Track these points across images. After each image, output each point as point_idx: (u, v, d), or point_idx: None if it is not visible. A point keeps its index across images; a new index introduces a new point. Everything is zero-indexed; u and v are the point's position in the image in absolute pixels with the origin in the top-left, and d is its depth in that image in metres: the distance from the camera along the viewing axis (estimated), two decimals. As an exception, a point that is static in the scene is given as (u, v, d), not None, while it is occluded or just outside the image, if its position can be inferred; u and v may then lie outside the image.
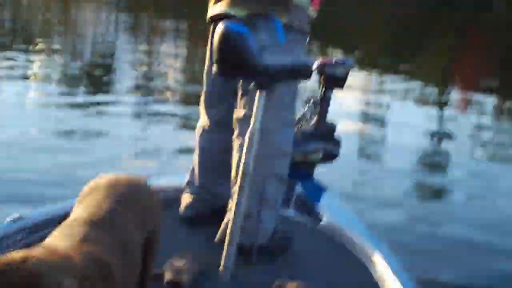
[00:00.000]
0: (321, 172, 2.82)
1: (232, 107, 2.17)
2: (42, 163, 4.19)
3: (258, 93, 1.91)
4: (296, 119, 2.56)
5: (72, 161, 4.29)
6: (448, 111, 7.29)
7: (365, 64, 9.49)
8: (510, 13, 21.18)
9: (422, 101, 7.58)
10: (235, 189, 1.95)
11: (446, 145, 5.89)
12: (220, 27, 1.90)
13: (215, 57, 1.93)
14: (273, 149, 2.09)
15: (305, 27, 2.11)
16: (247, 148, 1.89)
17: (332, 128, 2.72)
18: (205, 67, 2.30)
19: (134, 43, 10.81)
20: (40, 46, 9.38)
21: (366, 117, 6.56)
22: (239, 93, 2.13)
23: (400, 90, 7.92)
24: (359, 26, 14.26)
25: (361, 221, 2.39)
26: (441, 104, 7.60)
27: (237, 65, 1.90)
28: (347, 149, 5.19)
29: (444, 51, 13.38)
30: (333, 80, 2.59)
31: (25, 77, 7.03)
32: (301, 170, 2.65)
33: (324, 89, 2.63)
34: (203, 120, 2.33)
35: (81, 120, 5.37)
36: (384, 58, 10.37)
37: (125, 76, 7.59)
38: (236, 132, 2.13)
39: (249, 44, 1.86)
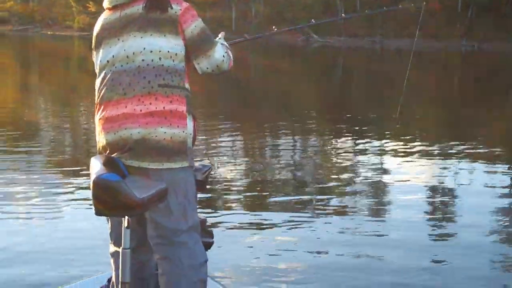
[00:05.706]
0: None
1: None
2: None
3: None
4: None
5: None
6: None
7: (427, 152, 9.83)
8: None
9: (490, 176, 8.12)
10: None
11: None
12: (95, 178, 2.19)
13: (93, 201, 2.22)
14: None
15: None
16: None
17: (203, 221, 3.10)
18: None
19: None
20: None
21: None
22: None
23: (465, 172, 8.49)
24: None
25: None
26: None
27: (112, 207, 2.20)
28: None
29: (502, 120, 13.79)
30: (196, 184, 2.93)
31: None
32: None
33: None
34: (113, 249, 2.85)
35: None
36: (445, 143, 10.63)
37: None
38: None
39: (122, 187, 2.16)
